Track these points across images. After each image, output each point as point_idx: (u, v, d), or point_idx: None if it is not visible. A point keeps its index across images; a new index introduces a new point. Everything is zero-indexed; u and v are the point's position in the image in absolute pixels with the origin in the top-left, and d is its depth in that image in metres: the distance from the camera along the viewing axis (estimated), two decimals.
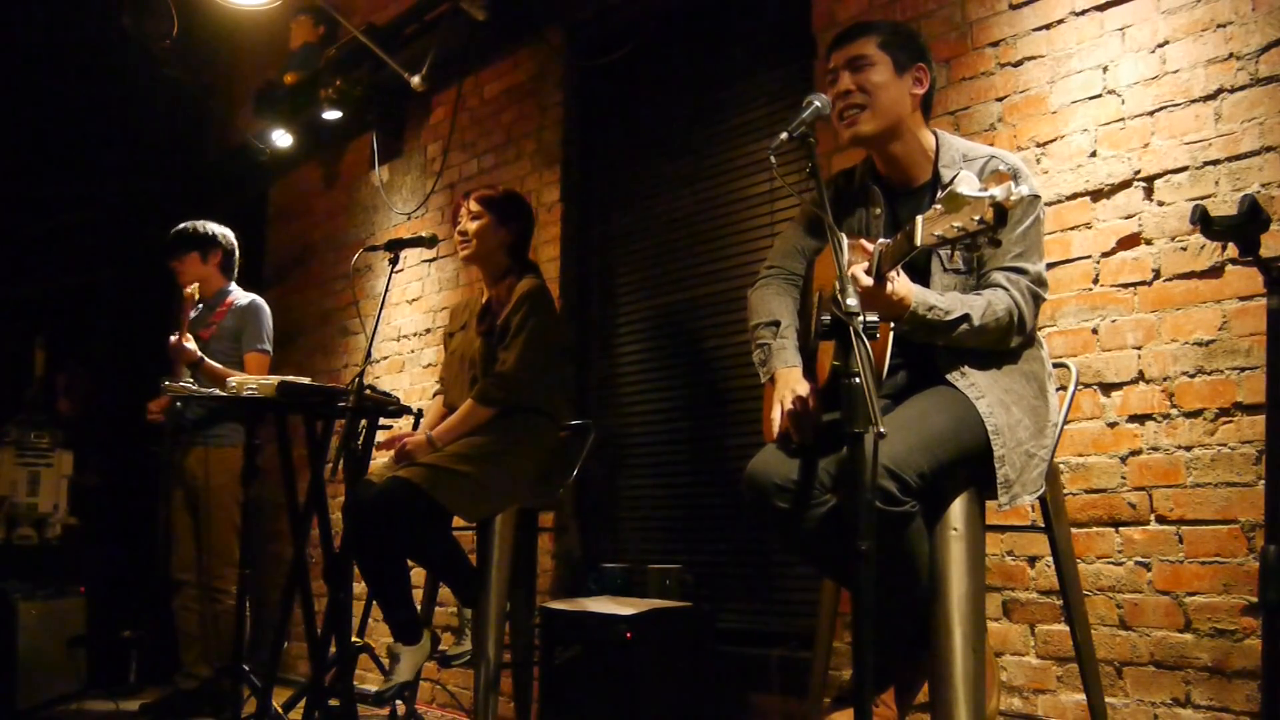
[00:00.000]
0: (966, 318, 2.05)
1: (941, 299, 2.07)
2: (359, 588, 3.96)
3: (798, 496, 2.11)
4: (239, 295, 4.22)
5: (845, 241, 1.96)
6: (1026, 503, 2.12)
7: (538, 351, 3.19)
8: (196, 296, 3.98)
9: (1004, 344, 2.13)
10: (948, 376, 2.13)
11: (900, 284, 1.99)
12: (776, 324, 2.36)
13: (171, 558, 4.14)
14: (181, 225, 4.24)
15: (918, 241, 1.80)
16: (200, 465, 4.05)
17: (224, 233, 4.27)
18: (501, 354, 3.20)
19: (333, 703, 3.14)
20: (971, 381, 2.11)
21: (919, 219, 1.81)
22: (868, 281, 1.94)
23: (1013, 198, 1.68)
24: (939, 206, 1.77)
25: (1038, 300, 2.15)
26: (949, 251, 2.17)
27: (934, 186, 2.24)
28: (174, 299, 5.56)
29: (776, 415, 2.17)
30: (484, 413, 3.16)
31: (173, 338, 3.89)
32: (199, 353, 3.89)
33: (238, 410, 3.78)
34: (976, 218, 1.70)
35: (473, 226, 3.35)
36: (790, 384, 2.20)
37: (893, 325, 2.06)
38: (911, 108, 2.26)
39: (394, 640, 3.16)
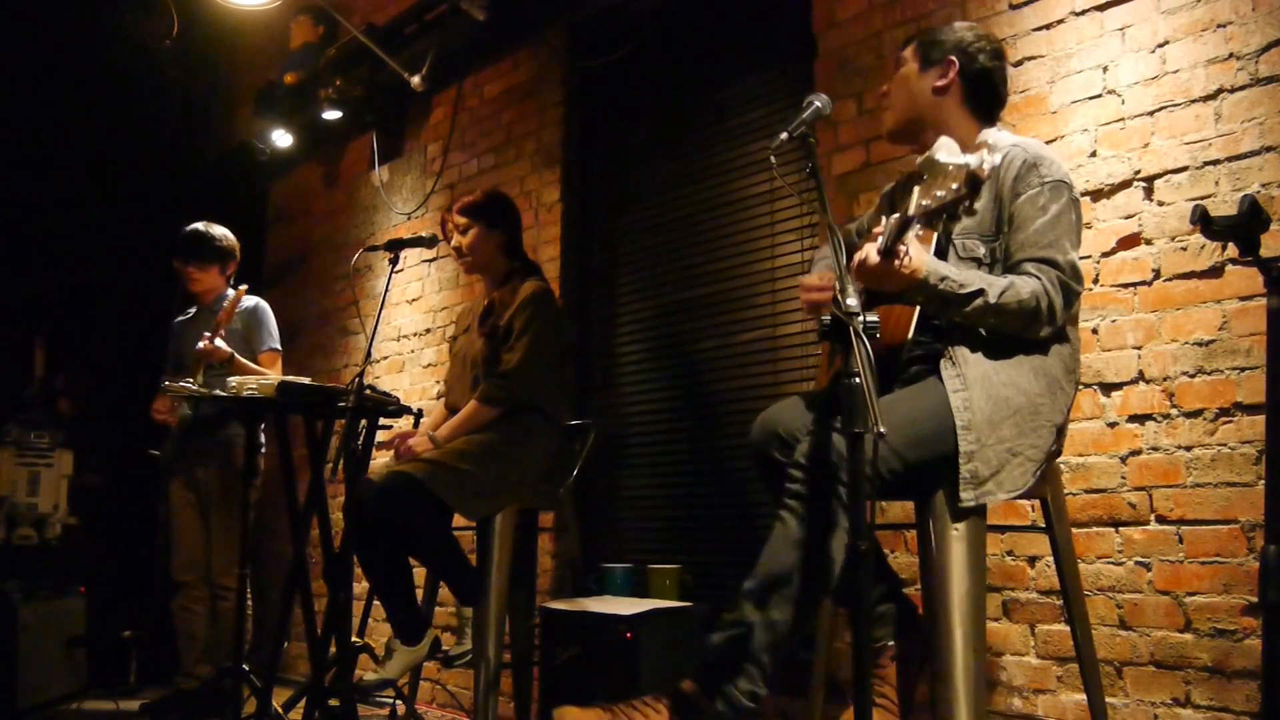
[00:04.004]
0: (982, 292, 2.02)
1: (956, 271, 2.04)
2: (359, 588, 3.96)
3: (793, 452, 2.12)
4: (241, 298, 4.23)
5: (841, 241, 1.97)
6: (1002, 500, 2.08)
7: (542, 353, 3.19)
8: (240, 299, 4.00)
9: (1030, 330, 2.08)
10: (941, 362, 2.11)
11: (911, 258, 1.98)
12: (814, 261, 2.61)
13: (173, 558, 4.14)
14: (205, 229, 4.21)
15: (910, 212, 1.82)
16: (208, 466, 4.05)
17: (236, 243, 4.30)
18: (505, 355, 3.20)
19: (333, 703, 3.14)
20: (959, 373, 2.08)
21: (915, 189, 1.83)
22: (875, 259, 1.96)
23: (985, 165, 1.70)
24: (926, 175, 1.79)
25: (1069, 292, 2.08)
26: (963, 241, 2.17)
27: None
28: (174, 298, 5.57)
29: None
30: (487, 413, 3.16)
31: (201, 343, 3.89)
32: (229, 349, 3.90)
33: (237, 410, 3.79)
34: (954, 185, 1.72)
35: (466, 240, 3.36)
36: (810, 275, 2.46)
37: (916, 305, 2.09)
38: (935, 99, 2.27)
39: (393, 636, 3.17)
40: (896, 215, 1.93)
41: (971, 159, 1.70)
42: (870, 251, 1.97)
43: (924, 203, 1.78)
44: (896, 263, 1.96)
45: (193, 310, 4.29)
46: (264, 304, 4.25)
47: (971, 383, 2.07)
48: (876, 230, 2.01)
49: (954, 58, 2.28)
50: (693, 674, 2.06)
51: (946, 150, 1.75)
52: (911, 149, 2.41)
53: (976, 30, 2.35)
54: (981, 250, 2.14)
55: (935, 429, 2.05)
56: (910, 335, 2.16)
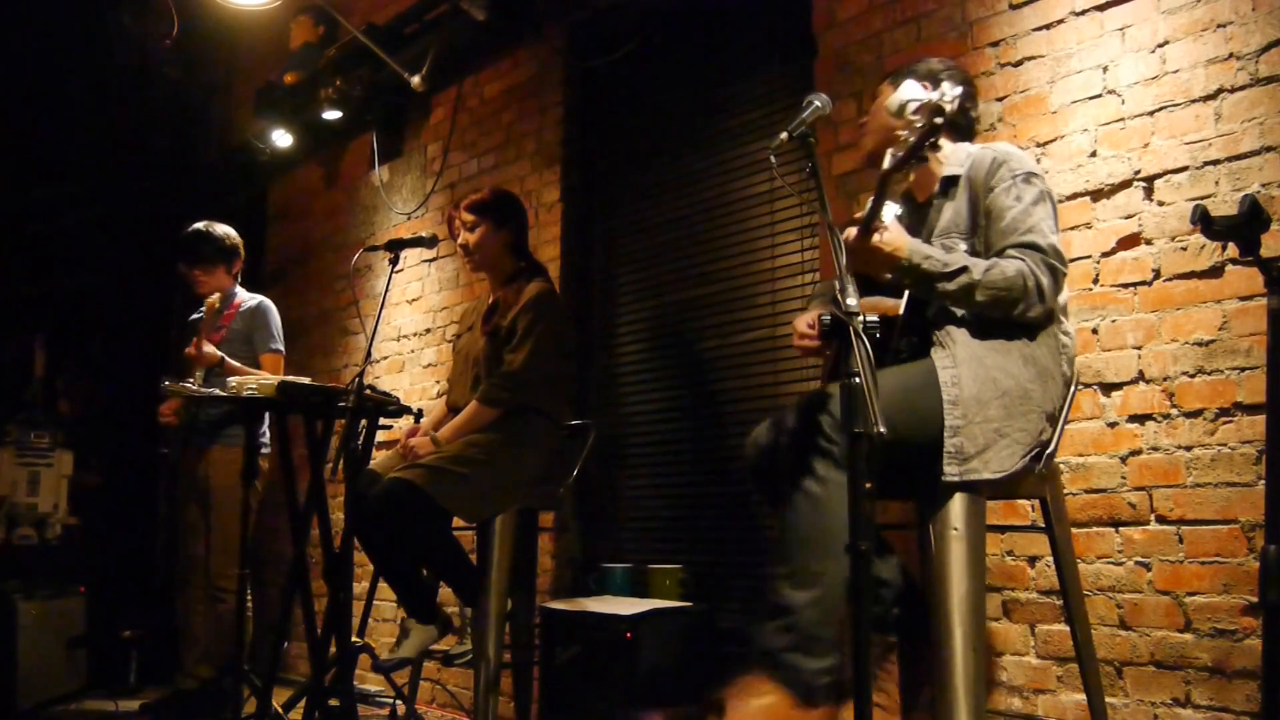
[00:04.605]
0: (966, 269, 2.06)
1: (939, 251, 2.10)
2: (359, 588, 3.96)
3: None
4: (245, 297, 4.23)
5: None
6: (987, 479, 2.08)
7: (545, 354, 3.19)
8: (218, 306, 3.99)
9: (1021, 309, 2.10)
10: (931, 349, 2.13)
11: (890, 235, 2.04)
12: (813, 296, 2.65)
13: (179, 558, 4.13)
14: (204, 230, 4.19)
15: (885, 165, 1.91)
16: (209, 465, 4.05)
17: (240, 240, 4.28)
18: (508, 355, 3.20)
19: (333, 703, 3.14)
20: (948, 353, 2.11)
21: (888, 152, 1.93)
22: (853, 234, 2.04)
23: (947, 97, 1.79)
24: (899, 131, 1.90)
25: (1055, 273, 2.11)
26: (942, 242, 2.22)
27: (943, 193, 2.29)
28: (174, 299, 5.56)
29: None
30: (488, 413, 3.16)
31: (189, 348, 3.88)
32: (219, 353, 3.89)
33: (238, 410, 3.78)
34: (919, 123, 1.81)
35: (473, 238, 3.35)
36: (804, 314, 2.50)
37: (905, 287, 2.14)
38: None
39: (406, 617, 3.18)
40: (873, 197, 1.97)
41: (934, 94, 1.80)
42: (850, 231, 2.04)
43: (896, 153, 1.84)
44: (876, 237, 2.00)
45: (204, 310, 4.28)
46: (269, 304, 4.22)
47: (960, 361, 2.10)
48: (857, 215, 2.04)
49: (929, 84, 2.33)
50: (760, 667, 2.04)
51: (909, 89, 1.82)
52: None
53: (946, 62, 2.46)
54: (963, 247, 2.20)
55: (925, 401, 2.07)
56: (900, 314, 2.19)
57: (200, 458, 4.07)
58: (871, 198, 1.98)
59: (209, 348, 3.89)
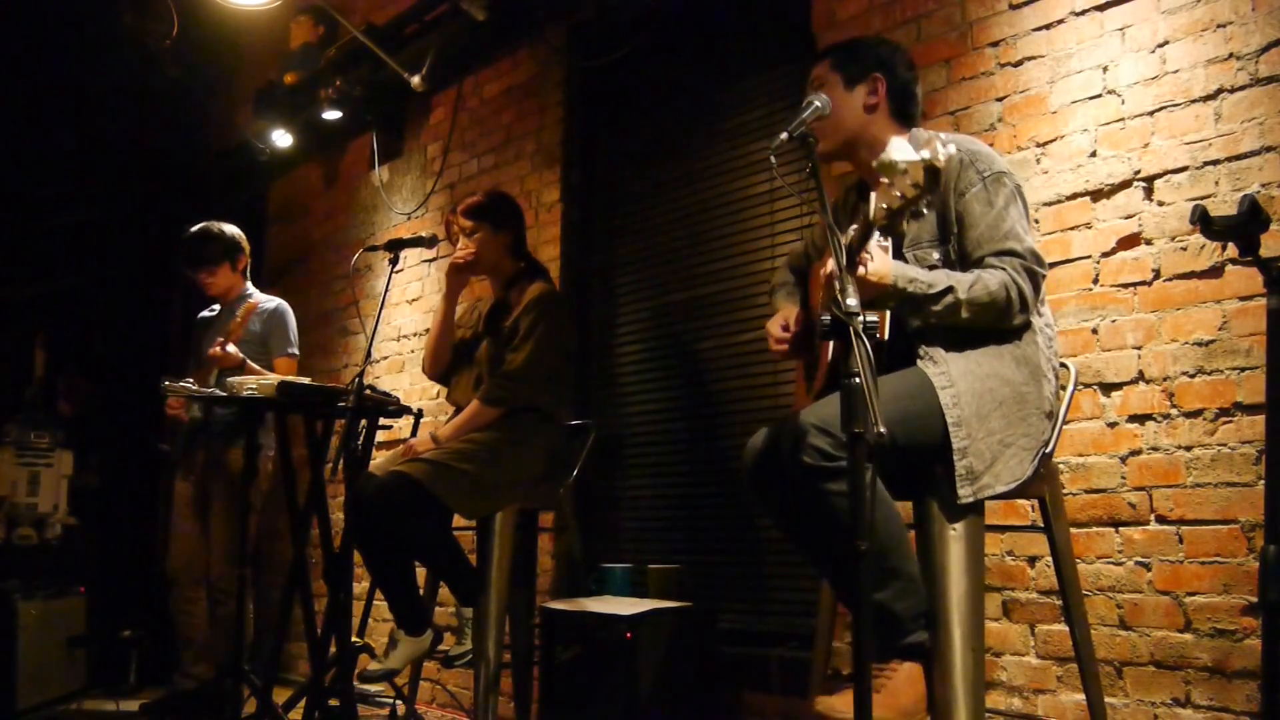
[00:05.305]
0: (951, 289, 2.06)
1: (923, 272, 2.08)
2: (359, 588, 3.97)
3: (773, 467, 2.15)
4: (262, 299, 4.19)
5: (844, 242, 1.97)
6: (1001, 492, 2.08)
7: (546, 354, 3.19)
8: (240, 316, 3.97)
9: (1005, 320, 2.11)
10: (919, 362, 2.13)
11: (876, 265, 2.02)
12: (775, 287, 2.60)
13: (168, 555, 4.13)
14: (201, 231, 4.15)
15: (872, 216, 1.84)
16: (214, 466, 4.04)
17: (242, 234, 4.25)
18: (510, 355, 3.20)
19: (333, 703, 3.14)
20: (942, 370, 2.10)
21: (873, 195, 1.86)
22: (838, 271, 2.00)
23: (941, 155, 1.71)
24: (885, 179, 1.80)
25: (1035, 276, 2.12)
26: (914, 253, 2.20)
27: None
28: (174, 299, 5.55)
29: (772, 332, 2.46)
30: (489, 413, 3.17)
31: (213, 349, 3.86)
32: (240, 354, 3.87)
33: (238, 410, 3.78)
34: (912, 182, 1.74)
35: (472, 244, 3.35)
36: (775, 316, 2.48)
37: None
38: (867, 117, 2.31)
39: (396, 627, 3.18)
40: (855, 226, 1.95)
41: (926, 152, 1.73)
42: (832, 264, 1.99)
43: (884, 205, 1.81)
44: (862, 269, 1.98)
45: (216, 308, 4.25)
46: (285, 307, 4.18)
47: (957, 378, 2.09)
48: (844, 240, 2.01)
49: (879, 74, 2.33)
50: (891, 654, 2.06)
51: (900, 149, 1.77)
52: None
53: (888, 43, 2.43)
54: (935, 256, 2.18)
55: (923, 408, 2.06)
56: (886, 336, 2.18)
57: (206, 458, 4.06)
58: (855, 228, 1.96)
59: (233, 348, 3.87)
